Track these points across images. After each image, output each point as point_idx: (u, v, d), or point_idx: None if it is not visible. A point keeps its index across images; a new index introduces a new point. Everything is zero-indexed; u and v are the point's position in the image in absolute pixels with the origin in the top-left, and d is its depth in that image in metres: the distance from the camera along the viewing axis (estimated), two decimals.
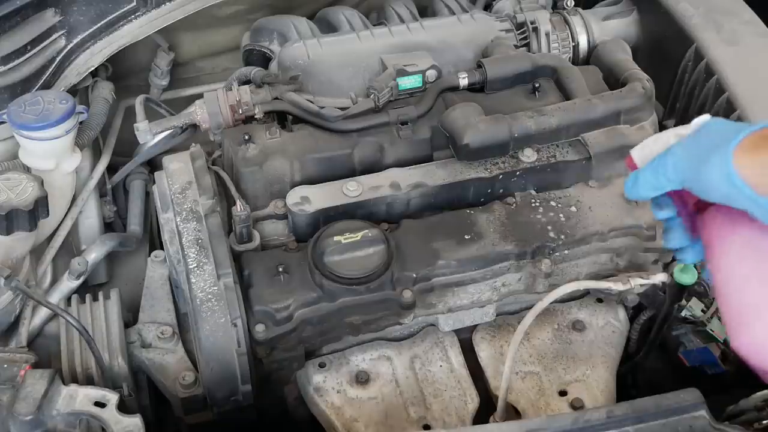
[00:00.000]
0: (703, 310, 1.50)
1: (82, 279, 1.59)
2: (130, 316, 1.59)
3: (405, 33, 1.65)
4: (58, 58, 1.64)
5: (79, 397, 1.22)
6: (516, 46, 1.70)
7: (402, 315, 1.39)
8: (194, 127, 1.59)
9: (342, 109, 1.51)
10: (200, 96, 1.56)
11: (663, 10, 1.72)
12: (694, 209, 1.04)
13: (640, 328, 1.56)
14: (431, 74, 1.56)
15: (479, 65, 1.59)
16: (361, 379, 1.40)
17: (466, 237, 1.42)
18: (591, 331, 1.49)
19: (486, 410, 1.39)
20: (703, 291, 1.50)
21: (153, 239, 1.87)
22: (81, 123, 1.62)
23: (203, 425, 1.46)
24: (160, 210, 1.53)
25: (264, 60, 1.76)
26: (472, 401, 1.39)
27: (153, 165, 1.92)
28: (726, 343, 1.56)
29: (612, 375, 1.45)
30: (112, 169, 1.87)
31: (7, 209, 1.36)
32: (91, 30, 1.66)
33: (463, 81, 1.57)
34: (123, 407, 1.24)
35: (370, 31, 1.66)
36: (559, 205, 1.47)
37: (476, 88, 1.60)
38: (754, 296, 0.93)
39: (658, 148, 1.03)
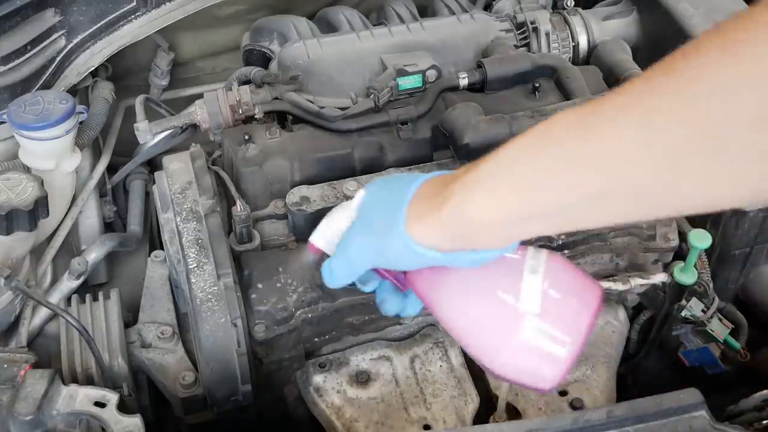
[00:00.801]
0: (703, 310, 1.49)
1: (82, 279, 1.59)
2: (130, 316, 1.59)
3: (405, 33, 1.65)
4: (58, 58, 1.64)
5: (79, 397, 1.22)
6: (516, 46, 1.70)
7: None
8: (194, 127, 1.59)
9: (342, 109, 1.51)
10: (200, 96, 1.56)
11: (663, 10, 1.72)
12: (399, 272, 1.04)
13: (640, 328, 1.56)
14: (431, 74, 1.56)
15: (479, 65, 1.59)
16: (361, 379, 1.40)
17: None
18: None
19: (486, 410, 1.39)
20: (703, 291, 1.50)
21: (153, 239, 1.86)
22: (81, 123, 1.62)
23: (203, 425, 1.46)
24: (160, 210, 1.53)
25: (264, 60, 1.76)
26: (472, 401, 1.39)
27: (153, 165, 1.92)
28: (726, 343, 1.56)
29: (612, 375, 1.45)
30: (112, 169, 1.86)
31: (7, 209, 1.36)
32: (91, 30, 1.66)
33: (463, 81, 1.57)
34: (123, 407, 1.23)
35: (370, 31, 1.66)
36: None
37: (476, 88, 1.60)
38: (485, 334, 0.98)
39: (334, 231, 1.05)
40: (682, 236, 1.50)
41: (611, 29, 1.80)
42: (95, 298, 1.54)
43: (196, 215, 1.43)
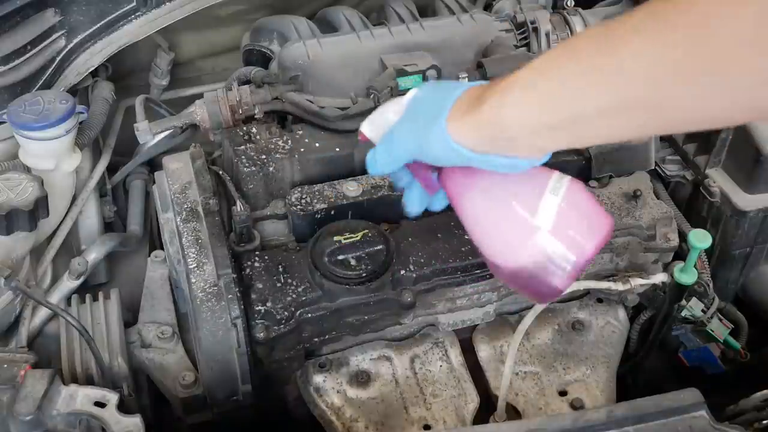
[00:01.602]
0: (703, 310, 1.49)
1: (82, 279, 1.59)
2: (130, 316, 1.59)
3: (405, 33, 1.65)
4: (58, 58, 1.64)
5: (79, 397, 1.22)
6: (516, 46, 1.70)
7: (402, 315, 1.39)
8: (194, 127, 1.59)
9: (342, 109, 1.51)
10: (200, 96, 1.56)
11: None
12: (433, 169, 1.12)
13: (640, 328, 1.56)
14: (431, 74, 1.56)
15: (479, 65, 1.59)
16: (361, 379, 1.40)
17: (467, 237, 1.41)
18: (591, 331, 1.49)
19: (486, 410, 1.39)
20: (703, 291, 1.50)
21: (153, 239, 1.86)
22: (81, 123, 1.62)
23: (203, 425, 1.46)
24: (160, 210, 1.53)
25: (264, 60, 1.76)
26: (472, 401, 1.39)
27: (153, 165, 1.92)
28: (726, 343, 1.56)
29: (612, 375, 1.45)
30: (112, 169, 1.87)
31: (7, 209, 1.36)
32: (91, 30, 1.66)
33: (463, 81, 1.57)
34: (123, 407, 1.23)
35: (370, 31, 1.66)
36: None
37: None
38: (500, 239, 1.08)
39: (382, 123, 1.13)
40: (682, 236, 1.50)
41: None
42: (95, 298, 1.54)
43: (196, 215, 1.43)
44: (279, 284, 1.35)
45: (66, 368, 1.41)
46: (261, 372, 1.39)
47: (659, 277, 1.43)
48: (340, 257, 1.34)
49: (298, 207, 1.42)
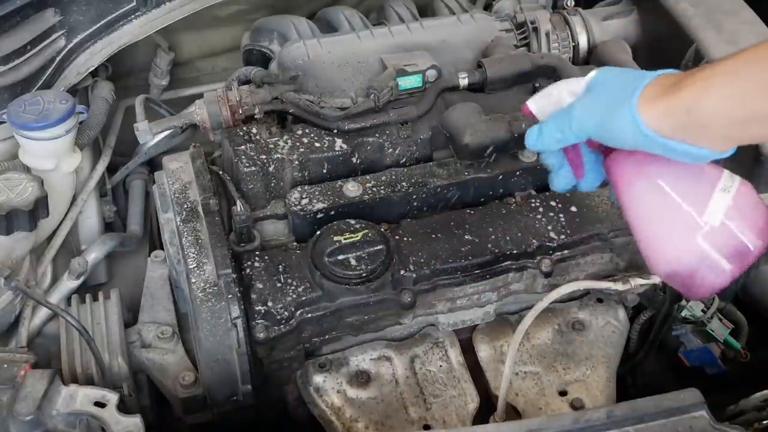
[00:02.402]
0: (703, 310, 1.50)
1: (82, 279, 1.59)
2: (130, 316, 1.59)
3: (405, 33, 1.65)
4: (58, 58, 1.64)
5: (79, 397, 1.22)
6: (516, 46, 1.70)
7: (402, 315, 1.39)
8: (194, 127, 1.59)
9: (342, 109, 1.51)
10: (200, 96, 1.56)
11: (663, 10, 1.72)
12: (600, 151, 1.14)
13: (640, 328, 1.56)
14: (431, 74, 1.56)
15: (479, 65, 1.59)
16: (361, 379, 1.40)
17: (467, 237, 1.42)
18: (591, 331, 1.49)
19: (486, 410, 1.39)
20: None
21: (153, 239, 1.87)
22: (81, 123, 1.62)
23: (203, 425, 1.46)
24: (160, 210, 1.53)
25: (264, 60, 1.76)
26: (472, 401, 1.39)
27: (153, 165, 1.92)
28: (726, 343, 1.56)
29: (612, 375, 1.45)
30: (112, 169, 1.87)
31: (7, 209, 1.37)
32: (91, 30, 1.66)
33: (463, 81, 1.57)
34: (123, 407, 1.24)
35: (370, 31, 1.66)
36: (559, 205, 1.47)
37: (476, 88, 1.60)
38: (662, 228, 1.08)
39: (551, 101, 1.14)
40: None
41: (611, 29, 1.79)
42: (95, 298, 1.54)
43: (196, 215, 1.43)
44: (279, 284, 1.35)
45: (66, 368, 1.41)
46: (261, 372, 1.39)
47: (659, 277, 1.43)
48: (340, 257, 1.34)
49: (298, 207, 1.42)
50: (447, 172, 1.48)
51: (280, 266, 1.37)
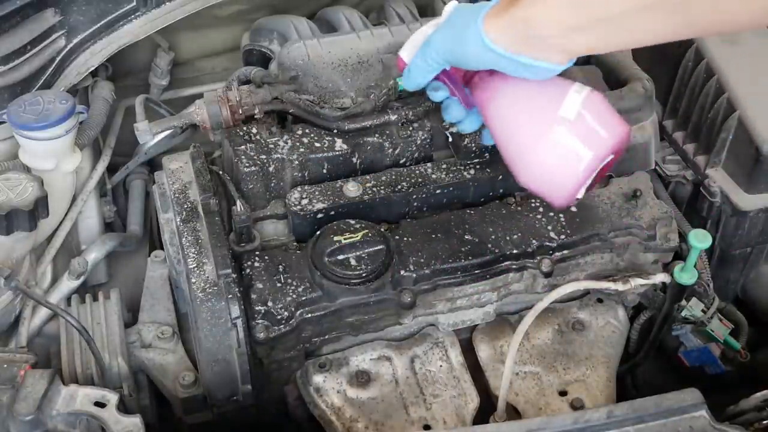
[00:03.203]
0: (703, 310, 1.49)
1: (82, 279, 1.59)
2: (130, 316, 1.59)
3: (405, 33, 1.65)
4: (58, 58, 1.63)
5: (79, 397, 1.22)
6: None
7: (402, 315, 1.39)
8: (194, 127, 1.59)
9: (342, 109, 1.51)
10: (200, 96, 1.56)
11: None
12: (463, 83, 1.24)
13: (640, 328, 1.56)
14: None
15: None
16: (361, 379, 1.40)
17: (467, 237, 1.42)
18: (591, 331, 1.49)
19: (486, 410, 1.39)
20: (703, 291, 1.50)
21: (153, 239, 1.87)
22: (81, 123, 1.62)
23: (203, 425, 1.46)
24: (160, 210, 1.53)
25: (264, 60, 1.76)
26: (472, 401, 1.39)
27: (153, 165, 1.92)
28: (726, 343, 1.56)
29: (612, 375, 1.45)
30: (112, 169, 1.87)
31: (7, 209, 1.37)
32: (91, 30, 1.66)
33: None
34: (123, 407, 1.24)
35: (370, 31, 1.66)
36: None
37: None
38: (523, 132, 1.18)
39: (420, 40, 1.21)
40: (682, 236, 1.50)
41: None
42: (95, 298, 1.54)
43: (196, 215, 1.43)
44: (279, 284, 1.35)
45: (66, 368, 1.41)
46: (261, 372, 1.39)
47: (659, 277, 1.43)
48: (340, 257, 1.34)
49: (298, 207, 1.42)
50: (447, 172, 1.48)
51: (280, 266, 1.37)
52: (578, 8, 0.99)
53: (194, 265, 1.35)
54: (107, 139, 1.84)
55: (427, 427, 1.36)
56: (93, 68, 1.70)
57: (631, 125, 1.54)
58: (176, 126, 1.58)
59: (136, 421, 1.20)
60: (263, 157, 1.47)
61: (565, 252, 1.44)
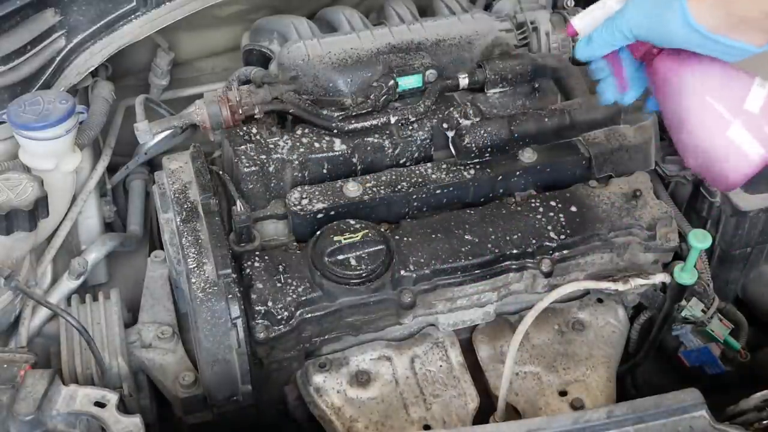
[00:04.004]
0: (703, 310, 1.49)
1: (82, 279, 1.59)
2: (130, 316, 1.59)
3: (405, 33, 1.65)
4: (58, 58, 1.63)
5: (79, 397, 1.22)
6: (516, 46, 1.70)
7: (402, 315, 1.39)
8: (194, 127, 1.59)
9: (342, 109, 1.51)
10: (200, 96, 1.56)
11: None
12: (638, 57, 1.22)
13: (640, 328, 1.56)
14: (431, 74, 1.56)
15: (479, 65, 1.59)
16: (361, 379, 1.40)
17: (467, 237, 1.42)
18: (591, 331, 1.49)
19: (486, 410, 1.39)
20: (703, 291, 1.50)
21: (153, 239, 1.87)
22: (81, 123, 1.62)
23: (203, 425, 1.46)
24: (160, 210, 1.53)
25: (264, 60, 1.76)
26: (472, 401, 1.39)
27: (153, 165, 1.92)
28: (726, 343, 1.56)
29: (612, 375, 1.45)
30: (112, 169, 1.87)
31: (7, 209, 1.37)
32: (91, 30, 1.66)
33: (463, 81, 1.57)
34: (123, 407, 1.23)
35: (370, 31, 1.66)
36: (559, 205, 1.47)
37: (476, 88, 1.60)
38: (704, 122, 1.17)
39: (600, 14, 1.20)
40: (682, 236, 1.50)
41: None
42: (95, 298, 1.54)
43: (196, 215, 1.43)
44: (279, 284, 1.35)
45: (66, 368, 1.41)
46: (261, 372, 1.39)
47: (659, 277, 1.43)
48: (340, 257, 1.34)
49: (298, 207, 1.42)
50: (447, 172, 1.48)
51: (280, 266, 1.37)
52: None
53: (194, 265, 1.35)
54: (107, 139, 1.84)
55: (427, 427, 1.36)
56: (93, 68, 1.70)
57: (631, 125, 1.56)
58: (176, 126, 1.58)
59: (136, 421, 1.20)
60: (263, 157, 1.47)
61: (565, 252, 1.44)
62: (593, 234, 1.45)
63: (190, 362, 1.48)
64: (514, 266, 1.42)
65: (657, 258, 1.52)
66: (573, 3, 1.83)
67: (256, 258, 1.39)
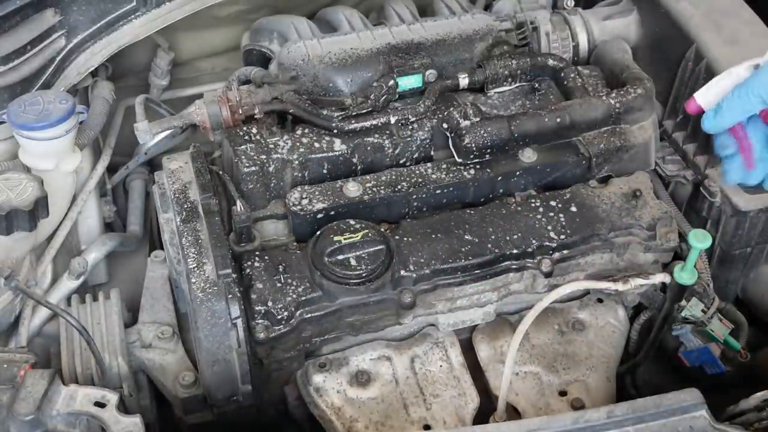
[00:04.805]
0: (703, 310, 1.49)
1: (82, 279, 1.59)
2: (130, 316, 1.59)
3: (405, 33, 1.65)
4: (58, 58, 1.64)
5: (79, 397, 1.22)
6: (516, 46, 1.70)
7: (402, 315, 1.39)
8: (194, 127, 1.59)
9: (342, 109, 1.51)
10: (200, 96, 1.56)
11: (663, 10, 1.72)
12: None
13: (640, 328, 1.56)
14: (431, 74, 1.56)
15: (479, 65, 1.59)
16: (361, 379, 1.40)
17: (467, 237, 1.42)
18: (591, 331, 1.49)
19: (486, 410, 1.39)
20: (703, 291, 1.49)
21: (153, 239, 1.87)
22: (81, 123, 1.62)
23: (203, 425, 1.46)
24: (160, 210, 1.53)
25: (264, 60, 1.76)
26: (472, 401, 1.39)
27: (153, 165, 1.92)
28: (726, 343, 1.56)
29: (612, 375, 1.45)
30: (112, 169, 1.87)
31: (7, 209, 1.37)
32: (91, 30, 1.66)
33: (463, 81, 1.57)
34: (123, 407, 1.23)
35: (370, 31, 1.66)
36: (559, 205, 1.47)
37: (476, 88, 1.60)
38: None
39: (727, 83, 1.17)
40: (682, 236, 1.50)
41: (611, 29, 1.79)
42: (95, 298, 1.54)
43: (196, 215, 1.43)
44: (279, 284, 1.35)
45: (66, 368, 1.41)
46: (261, 372, 1.39)
47: (659, 277, 1.43)
48: (340, 257, 1.34)
49: (298, 207, 1.42)
50: (447, 172, 1.48)
51: (280, 266, 1.37)
52: None
53: (194, 265, 1.35)
54: (107, 139, 1.84)
55: (427, 427, 1.36)
56: (93, 68, 1.70)
57: (631, 125, 1.56)
58: (176, 126, 1.58)
59: (136, 421, 1.20)
60: (263, 157, 1.47)
61: (565, 252, 1.44)
62: (593, 234, 1.45)
63: (190, 362, 1.48)
64: (514, 266, 1.42)
65: (657, 258, 1.52)
66: (573, 3, 1.83)
67: (256, 258, 1.39)
